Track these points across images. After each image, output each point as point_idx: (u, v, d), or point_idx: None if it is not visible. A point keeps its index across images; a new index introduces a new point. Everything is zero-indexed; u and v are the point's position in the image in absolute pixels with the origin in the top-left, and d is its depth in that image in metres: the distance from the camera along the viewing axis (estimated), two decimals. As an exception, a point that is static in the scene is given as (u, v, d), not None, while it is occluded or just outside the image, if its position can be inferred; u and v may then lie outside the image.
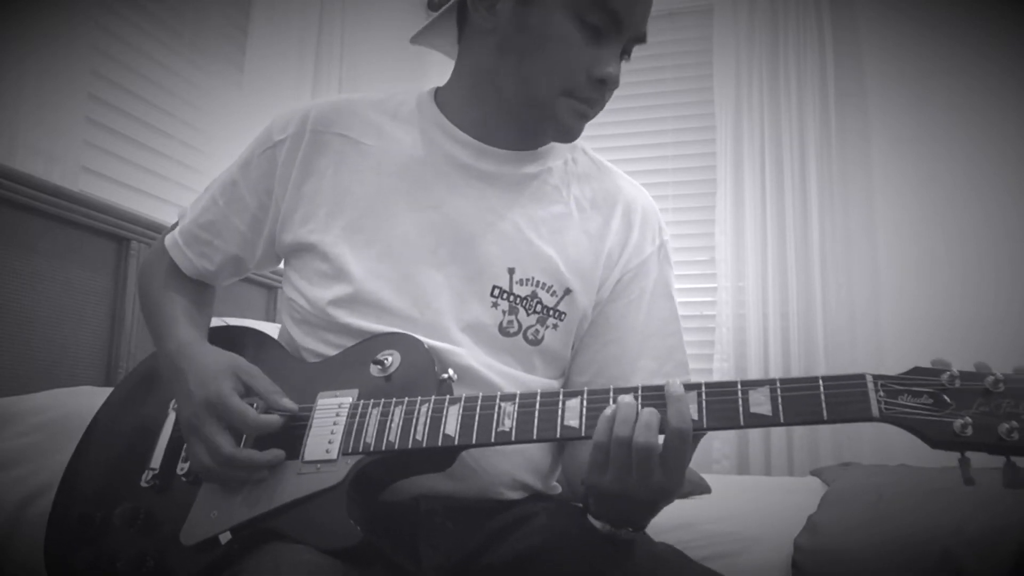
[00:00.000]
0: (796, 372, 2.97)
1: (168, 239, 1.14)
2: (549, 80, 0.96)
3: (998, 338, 2.80)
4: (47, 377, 1.67)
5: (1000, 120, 3.00)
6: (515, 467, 1.00)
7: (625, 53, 1.01)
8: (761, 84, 3.18)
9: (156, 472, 0.95)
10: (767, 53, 3.19)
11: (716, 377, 3.07)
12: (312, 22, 2.74)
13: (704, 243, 3.25)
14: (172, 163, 2.38)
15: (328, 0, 2.81)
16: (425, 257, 1.00)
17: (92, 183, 2.05)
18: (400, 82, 3.29)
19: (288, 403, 0.91)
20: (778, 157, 3.13)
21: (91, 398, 1.11)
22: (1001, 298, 2.89)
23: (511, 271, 1.01)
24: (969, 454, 0.73)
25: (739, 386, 0.79)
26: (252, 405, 0.91)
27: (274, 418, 0.90)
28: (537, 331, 1.02)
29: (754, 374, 3.02)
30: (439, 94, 1.10)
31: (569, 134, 1.02)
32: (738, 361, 3.09)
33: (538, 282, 1.02)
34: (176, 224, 1.15)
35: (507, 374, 1.00)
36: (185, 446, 0.95)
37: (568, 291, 1.03)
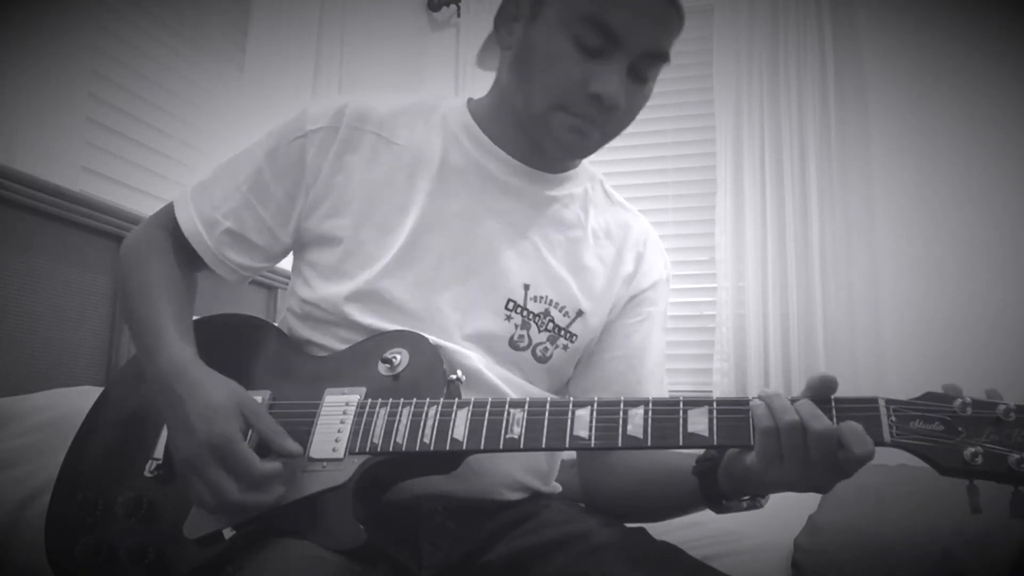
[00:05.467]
0: (796, 372, 2.97)
1: (187, 226, 1.05)
2: (543, 94, 0.96)
3: (998, 338, 2.81)
4: (47, 377, 1.66)
5: (1000, 120, 3.00)
6: (516, 468, 1.01)
7: (637, 73, 0.97)
8: (761, 84, 3.18)
9: (160, 462, 0.94)
10: (767, 53, 3.19)
11: (716, 378, 3.08)
12: (312, 22, 2.74)
13: (704, 243, 3.25)
14: (172, 163, 2.38)
15: (328, 0, 2.81)
16: (445, 263, 1.01)
17: (92, 183, 2.05)
18: (400, 82, 3.29)
19: (292, 446, 0.86)
20: (778, 157, 3.13)
21: (91, 398, 1.10)
22: (1001, 298, 2.89)
23: (526, 287, 1.03)
24: (977, 481, 0.73)
25: (750, 404, 0.78)
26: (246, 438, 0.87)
27: (276, 466, 0.84)
28: (547, 349, 1.03)
29: (754, 374, 3.02)
30: (472, 105, 1.10)
31: (565, 149, 1.01)
32: (738, 361, 3.09)
33: (552, 301, 1.03)
34: (169, 209, 1.08)
35: (511, 380, 1.01)
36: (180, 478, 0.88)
37: (580, 313, 1.05)
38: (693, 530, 1.40)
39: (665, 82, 4.03)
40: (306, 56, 2.69)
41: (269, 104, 2.49)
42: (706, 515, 1.50)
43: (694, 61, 3.38)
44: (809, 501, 1.57)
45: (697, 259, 3.28)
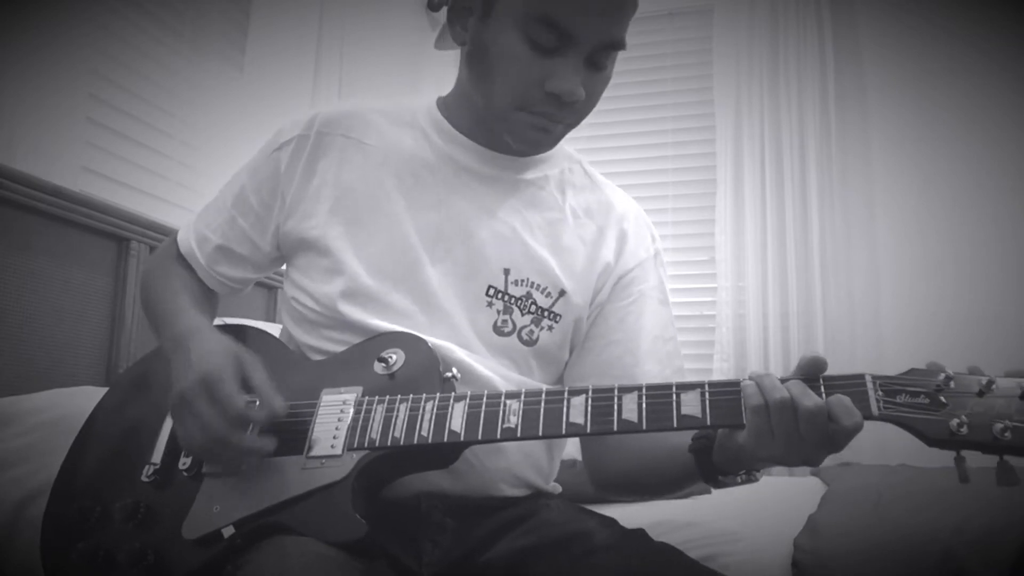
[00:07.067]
0: (796, 372, 2.97)
1: (183, 244, 1.14)
2: (502, 95, 0.97)
3: (997, 337, 2.81)
4: (47, 377, 1.66)
5: (1000, 119, 3.01)
6: (515, 465, 1.01)
7: (595, 63, 0.97)
8: (761, 84, 3.18)
9: (157, 467, 0.94)
10: (767, 53, 3.19)
11: (715, 377, 3.08)
12: (312, 22, 2.74)
13: (704, 243, 3.25)
14: (172, 163, 2.38)
15: (328, 0, 2.81)
16: (424, 255, 1.02)
17: (92, 183, 2.05)
18: (400, 81, 3.29)
19: (279, 405, 0.89)
20: (778, 157, 3.13)
21: (91, 398, 1.10)
22: (1000, 298, 2.89)
23: (506, 271, 1.03)
24: (965, 453, 0.74)
25: (741, 384, 0.80)
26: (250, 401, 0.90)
27: (258, 415, 0.87)
28: (532, 331, 1.03)
29: (754, 374, 3.02)
30: (440, 101, 1.12)
31: (531, 146, 1.03)
32: (738, 361, 3.09)
33: (533, 283, 1.03)
34: (179, 230, 1.17)
35: (505, 376, 1.00)
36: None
37: (563, 292, 1.04)
38: (693, 530, 1.41)
39: (665, 82, 4.01)
40: (306, 56, 2.69)
41: (269, 104, 2.49)
42: (706, 515, 1.50)
43: (694, 61, 3.39)
44: (809, 501, 1.57)
45: (697, 259, 3.28)
